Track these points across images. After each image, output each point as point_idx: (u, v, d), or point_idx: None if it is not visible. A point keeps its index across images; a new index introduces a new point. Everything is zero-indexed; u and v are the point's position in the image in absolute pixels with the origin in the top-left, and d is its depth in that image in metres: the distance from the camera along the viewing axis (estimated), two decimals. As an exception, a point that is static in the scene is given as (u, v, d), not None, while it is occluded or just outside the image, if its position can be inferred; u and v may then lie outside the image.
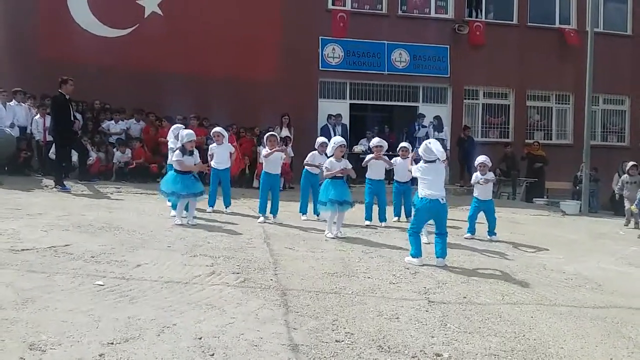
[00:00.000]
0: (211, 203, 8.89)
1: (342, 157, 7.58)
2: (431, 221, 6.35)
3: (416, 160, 6.60)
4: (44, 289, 4.16)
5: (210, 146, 9.25)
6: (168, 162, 8.64)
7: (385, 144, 9.29)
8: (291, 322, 3.88)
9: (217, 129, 9.23)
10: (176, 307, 3.99)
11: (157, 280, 4.62)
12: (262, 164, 8.50)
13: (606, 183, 14.92)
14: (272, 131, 13.04)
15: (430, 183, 6.07)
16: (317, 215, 8.70)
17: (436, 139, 11.60)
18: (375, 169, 8.92)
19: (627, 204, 10.83)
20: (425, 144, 6.19)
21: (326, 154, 8.09)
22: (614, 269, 6.75)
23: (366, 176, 8.99)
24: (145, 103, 13.31)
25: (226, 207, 9.02)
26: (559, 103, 17.56)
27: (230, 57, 14.40)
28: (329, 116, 14.60)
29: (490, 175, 8.31)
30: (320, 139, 9.03)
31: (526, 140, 16.70)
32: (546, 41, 16.84)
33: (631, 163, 10.42)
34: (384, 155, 9.07)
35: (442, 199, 6.09)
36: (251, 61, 14.59)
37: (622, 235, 9.66)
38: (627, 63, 17.41)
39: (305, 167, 8.88)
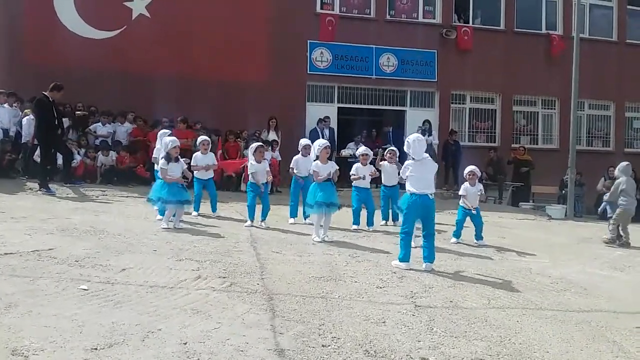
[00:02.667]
0: (196, 208, 8.81)
1: (329, 159, 7.57)
2: (419, 224, 6.36)
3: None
4: (27, 293, 4.11)
5: (195, 155, 9.12)
6: (156, 169, 8.59)
7: (370, 153, 9.28)
8: (277, 326, 3.87)
9: (205, 138, 9.22)
10: (161, 311, 3.96)
11: (142, 285, 4.58)
12: (248, 168, 8.46)
13: (591, 187, 15.07)
14: (259, 135, 13.07)
15: (418, 179, 6.04)
16: (306, 219, 8.68)
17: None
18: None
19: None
20: (407, 141, 6.21)
21: (309, 155, 8.03)
22: (599, 273, 6.81)
23: (353, 184, 8.97)
24: (132, 105, 13.21)
25: (213, 212, 8.98)
26: (545, 108, 17.71)
27: (218, 60, 14.33)
28: (319, 120, 14.59)
29: (480, 187, 8.37)
30: (304, 141, 8.93)
31: (512, 145, 16.81)
32: (533, 47, 16.98)
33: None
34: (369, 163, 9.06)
35: (431, 195, 6.08)
36: (239, 64, 14.53)
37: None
38: (612, 69, 17.59)
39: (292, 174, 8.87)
